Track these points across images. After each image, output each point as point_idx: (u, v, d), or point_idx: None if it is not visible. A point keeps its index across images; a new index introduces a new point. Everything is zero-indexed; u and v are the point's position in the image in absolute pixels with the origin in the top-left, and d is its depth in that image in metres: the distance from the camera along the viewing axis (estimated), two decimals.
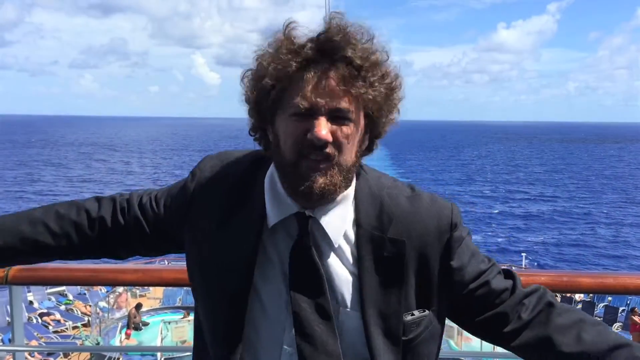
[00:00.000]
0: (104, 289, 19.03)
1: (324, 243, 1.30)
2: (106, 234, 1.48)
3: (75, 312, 20.09)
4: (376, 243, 1.29)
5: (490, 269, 1.36)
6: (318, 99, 1.20)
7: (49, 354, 14.52)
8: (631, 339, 17.14)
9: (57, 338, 17.22)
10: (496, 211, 50.90)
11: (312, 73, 1.21)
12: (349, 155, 1.25)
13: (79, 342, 16.25)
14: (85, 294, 21.06)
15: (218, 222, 1.35)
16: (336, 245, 1.29)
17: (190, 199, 1.41)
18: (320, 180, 1.22)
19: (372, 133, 1.32)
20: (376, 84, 1.24)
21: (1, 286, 2.27)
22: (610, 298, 20.26)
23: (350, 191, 1.33)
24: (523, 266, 26.95)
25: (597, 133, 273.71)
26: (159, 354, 12.78)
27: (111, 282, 2.12)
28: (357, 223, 1.31)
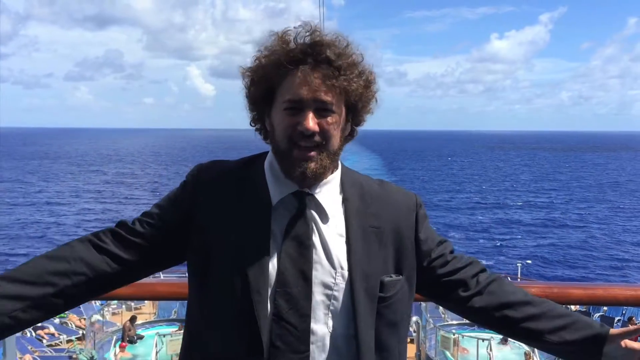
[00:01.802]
0: (98, 302, 18.93)
1: (320, 216, 1.51)
2: (127, 262, 1.56)
3: (70, 325, 19.93)
4: (361, 216, 1.54)
5: (445, 244, 1.65)
6: (306, 94, 1.43)
7: None
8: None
9: (51, 352, 17.09)
10: (485, 219, 51.16)
11: (301, 72, 1.45)
12: (334, 142, 1.49)
13: (73, 355, 16.13)
14: (79, 307, 20.91)
15: (227, 208, 1.52)
16: (330, 217, 1.52)
17: (192, 195, 1.57)
18: (312, 165, 1.45)
19: (353, 121, 1.57)
20: (355, 79, 1.48)
21: None
22: (605, 308, 20.26)
23: (337, 174, 1.58)
24: (518, 276, 26.98)
25: (588, 142, 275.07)
26: None
27: (105, 297, 2.12)
28: (345, 199, 1.55)
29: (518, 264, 28.89)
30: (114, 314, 19.04)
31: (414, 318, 18.15)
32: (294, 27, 1.49)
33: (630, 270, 35.17)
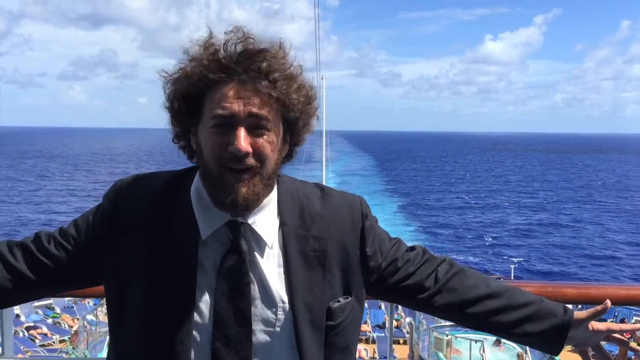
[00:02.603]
0: (91, 302, 18.88)
1: (256, 247, 1.37)
2: (25, 278, 1.44)
3: (63, 325, 19.90)
4: (301, 241, 1.40)
5: (396, 247, 1.53)
6: (237, 108, 1.26)
7: None
8: (617, 351, 17.20)
9: (43, 352, 17.06)
10: (476, 219, 51.54)
11: (232, 84, 1.28)
12: (269, 164, 1.32)
13: (65, 355, 16.09)
14: (72, 307, 20.88)
15: (147, 242, 1.36)
16: (270, 246, 1.38)
17: (109, 222, 1.41)
18: (243, 191, 1.28)
19: (291, 141, 1.41)
20: (293, 94, 1.32)
21: None
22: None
23: (273, 195, 1.41)
24: (511, 276, 27.12)
25: (581, 144, 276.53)
26: None
27: (100, 294, 2.13)
28: (283, 224, 1.40)
29: (511, 266, 29.13)
30: (107, 314, 19.01)
31: (407, 319, 18.21)
32: (225, 33, 1.32)
33: (617, 268, 35.65)
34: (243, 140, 1.26)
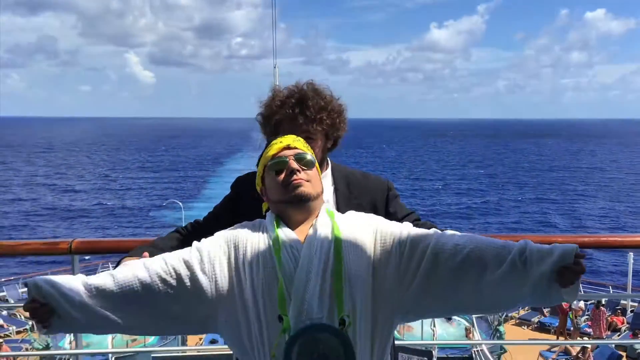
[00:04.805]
0: None
1: None
2: None
3: (19, 317, 19.63)
4: (347, 201, 2.15)
5: (410, 215, 2.25)
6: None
7: None
8: (558, 322, 17.57)
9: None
10: (414, 203, 52.66)
11: (290, 113, 2.12)
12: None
13: (26, 346, 15.95)
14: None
15: (258, 213, 1.97)
16: (326, 202, 1.94)
17: (236, 203, 2.21)
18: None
19: (333, 138, 2.23)
20: (329, 112, 2.16)
21: (66, 256, 2.64)
22: None
23: (329, 170, 2.24)
24: None
25: (522, 129, 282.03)
26: (110, 354, 12.11)
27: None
28: (336, 189, 2.20)
29: None
30: None
31: None
32: (283, 88, 2.20)
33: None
34: None
